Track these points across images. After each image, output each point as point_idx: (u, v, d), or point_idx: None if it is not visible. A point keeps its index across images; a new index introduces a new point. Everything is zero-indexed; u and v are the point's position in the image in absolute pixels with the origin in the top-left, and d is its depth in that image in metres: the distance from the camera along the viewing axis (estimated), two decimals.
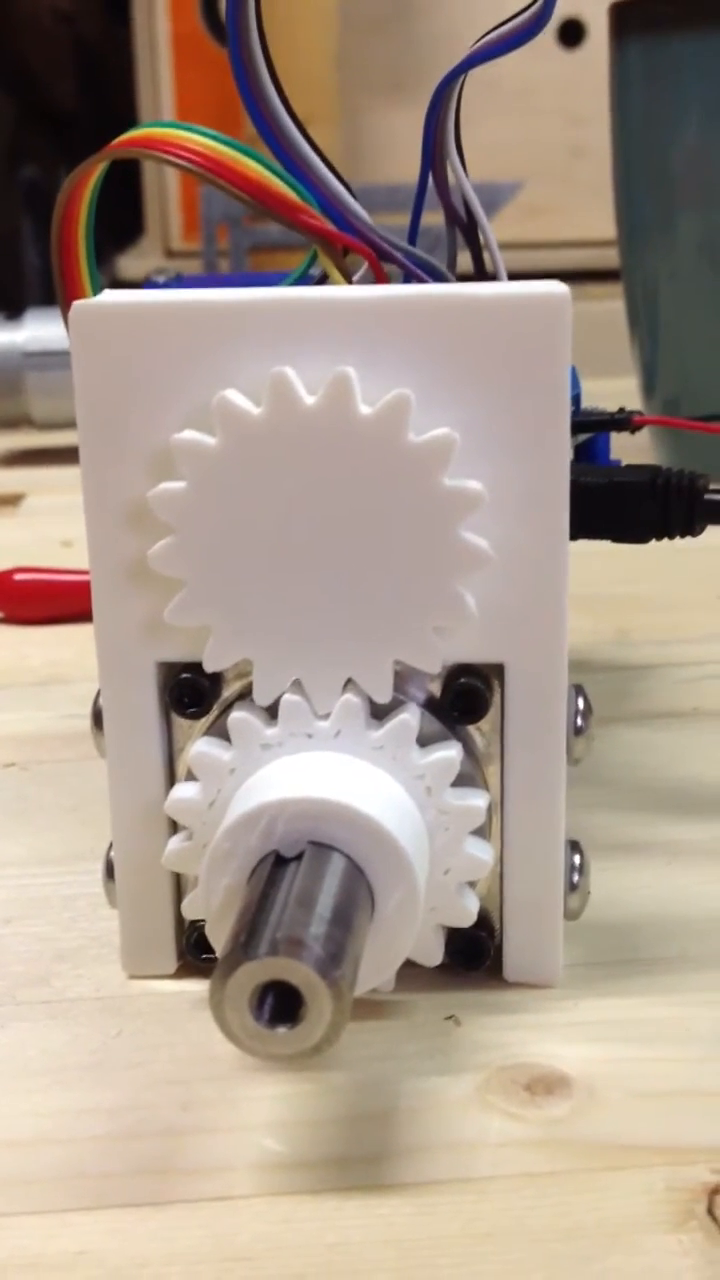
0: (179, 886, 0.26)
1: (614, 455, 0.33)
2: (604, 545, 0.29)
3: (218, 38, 1.33)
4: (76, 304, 0.23)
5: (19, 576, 0.45)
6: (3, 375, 0.64)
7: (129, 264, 1.25)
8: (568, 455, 0.23)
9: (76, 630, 0.44)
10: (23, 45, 1.56)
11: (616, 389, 0.44)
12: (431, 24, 1.27)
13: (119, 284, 0.26)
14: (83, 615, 0.44)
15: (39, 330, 0.64)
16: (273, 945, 0.20)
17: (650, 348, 0.58)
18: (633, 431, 0.32)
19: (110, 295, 0.23)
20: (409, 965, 0.23)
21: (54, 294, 0.28)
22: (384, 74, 1.28)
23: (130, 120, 1.33)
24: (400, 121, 1.25)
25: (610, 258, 0.60)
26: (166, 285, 0.61)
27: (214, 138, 0.26)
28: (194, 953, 0.26)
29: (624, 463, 0.31)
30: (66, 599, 0.44)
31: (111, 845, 0.25)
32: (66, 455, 0.66)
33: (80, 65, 1.64)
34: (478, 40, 0.28)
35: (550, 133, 1.26)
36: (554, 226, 1.24)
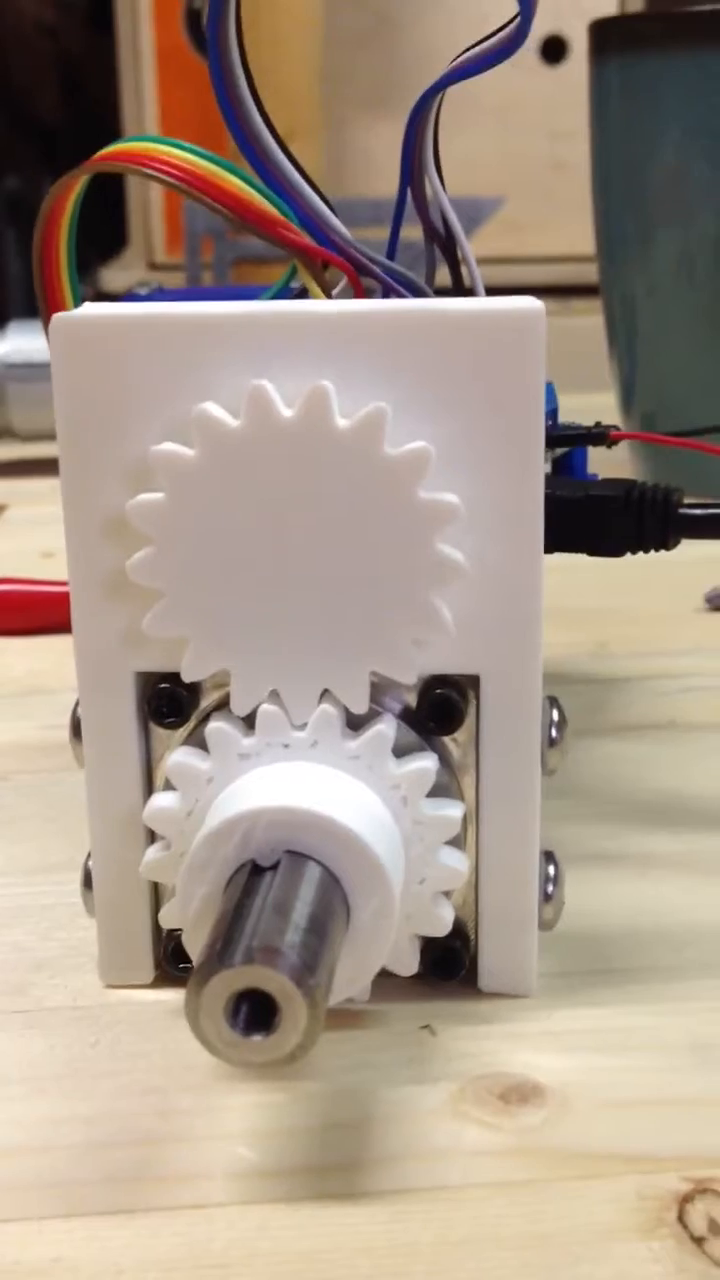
0: (156, 896, 0.26)
1: (591, 469, 0.33)
2: (583, 558, 0.29)
3: (201, 51, 1.33)
4: (56, 316, 0.23)
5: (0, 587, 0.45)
6: None
7: (112, 276, 1.25)
8: (542, 469, 0.23)
9: (57, 641, 0.44)
10: (5, 57, 1.57)
11: (598, 404, 0.44)
12: (415, 39, 1.27)
13: (102, 296, 0.26)
14: (64, 626, 0.44)
15: (21, 342, 0.64)
16: (248, 953, 0.20)
17: (628, 363, 0.58)
18: (610, 446, 0.32)
19: (90, 307, 0.24)
20: (384, 975, 0.24)
21: (37, 305, 0.28)
22: (368, 89, 1.28)
23: (114, 132, 1.33)
24: (384, 136, 1.25)
25: (592, 273, 0.61)
26: (148, 298, 0.61)
27: (195, 153, 0.27)
28: (171, 962, 0.26)
29: (600, 477, 0.31)
30: (47, 610, 0.44)
31: (89, 855, 0.26)
32: (48, 466, 0.66)
33: (63, 77, 1.64)
34: (456, 57, 0.28)
35: (532, 148, 1.27)
36: (535, 242, 1.25)
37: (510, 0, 0.26)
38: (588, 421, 0.32)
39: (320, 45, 1.16)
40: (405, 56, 1.28)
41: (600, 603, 0.46)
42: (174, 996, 0.26)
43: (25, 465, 0.67)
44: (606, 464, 0.33)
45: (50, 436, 0.68)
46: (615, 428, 0.32)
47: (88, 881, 0.26)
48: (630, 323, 0.58)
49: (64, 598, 0.44)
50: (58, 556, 0.51)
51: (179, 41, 1.34)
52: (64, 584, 0.45)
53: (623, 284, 0.58)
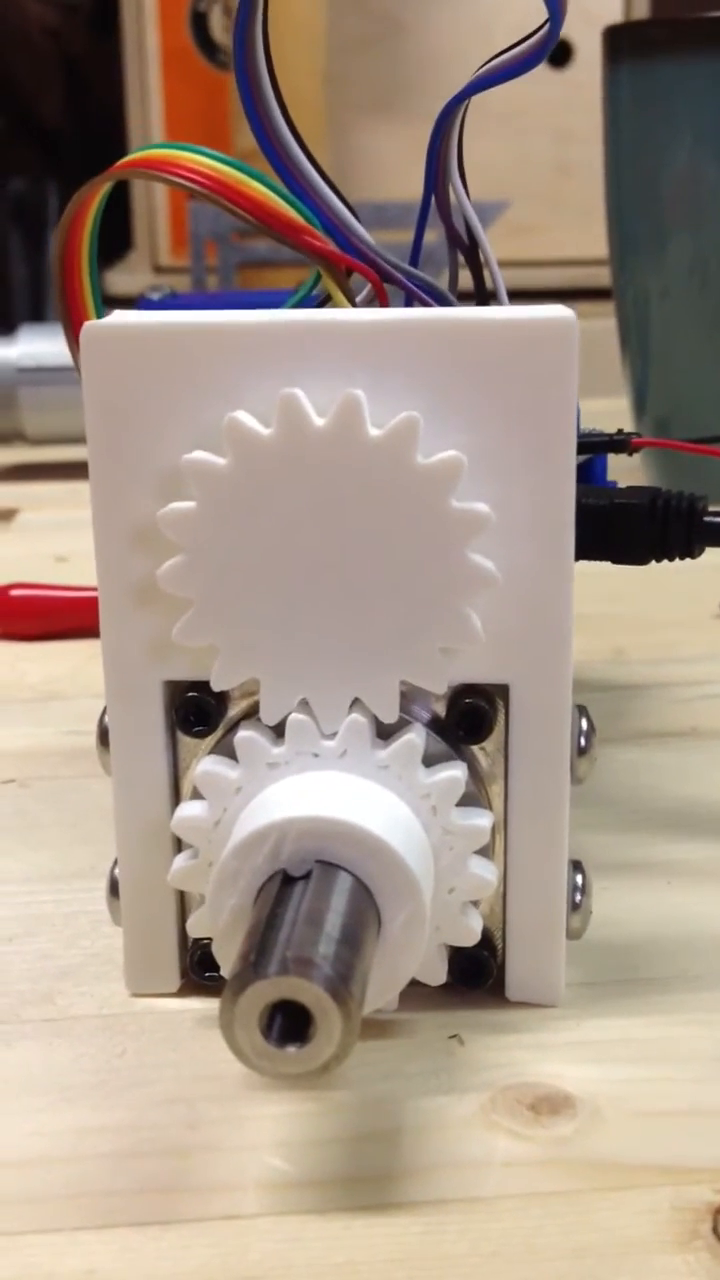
0: (183, 905, 0.26)
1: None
2: (598, 564, 0.29)
3: (206, 53, 1.34)
4: (88, 325, 0.23)
5: (15, 592, 0.45)
6: None
7: (117, 279, 1.25)
8: (573, 478, 0.23)
9: (73, 646, 0.44)
10: (10, 60, 1.57)
11: (606, 409, 0.44)
12: (419, 44, 1.27)
13: (108, 300, 0.26)
14: (79, 631, 0.45)
15: (32, 346, 0.64)
16: (283, 964, 0.20)
17: (641, 367, 0.58)
18: (631, 453, 0.32)
19: (120, 316, 0.24)
20: (411, 984, 0.23)
21: (41, 307, 0.28)
22: (371, 93, 1.28)
23: (118, 135, 1.34)
24: (387, 140, 1.25)
25: (597, 276, 0.61)
26: (161, 302, 0.61)
27: (217, 158, 0.27)
28: (197, 971, 0.26)
29: (619, 484, 0.31)
30: (63, 615, 0.44)
31: (116, 863, 0.26)
32: (59, 470, 0.67)
33: (67, 80, 1.64)
34: (482, 65, 0.28)
35: (538, 152, 1.27)
36: (541, 245, 1.25)
37: (511, 4, 0.26)
38: (597, 427, 0.32)
39: (323, 50, 1.16)
40: (408, 61, 1.28)
41: (615, 609, 0.46)
42: (200, 1005, 0.26)
43: (36, 469, 0.67)
44: (617, 469, 0.33)
45: (62, 440, 0.69)
46: (636, 435, 0.32)
47: (114, 890, 0.26)
48: (643, 327, 0.58)
49: (79, 603, 0.44)
50: (71, 561, 0.52)
51: (184, 44, 1.34)
52: (79, 589, 0.45)
53: (636, 288, 0.58)
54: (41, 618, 0.45)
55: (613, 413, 0.52)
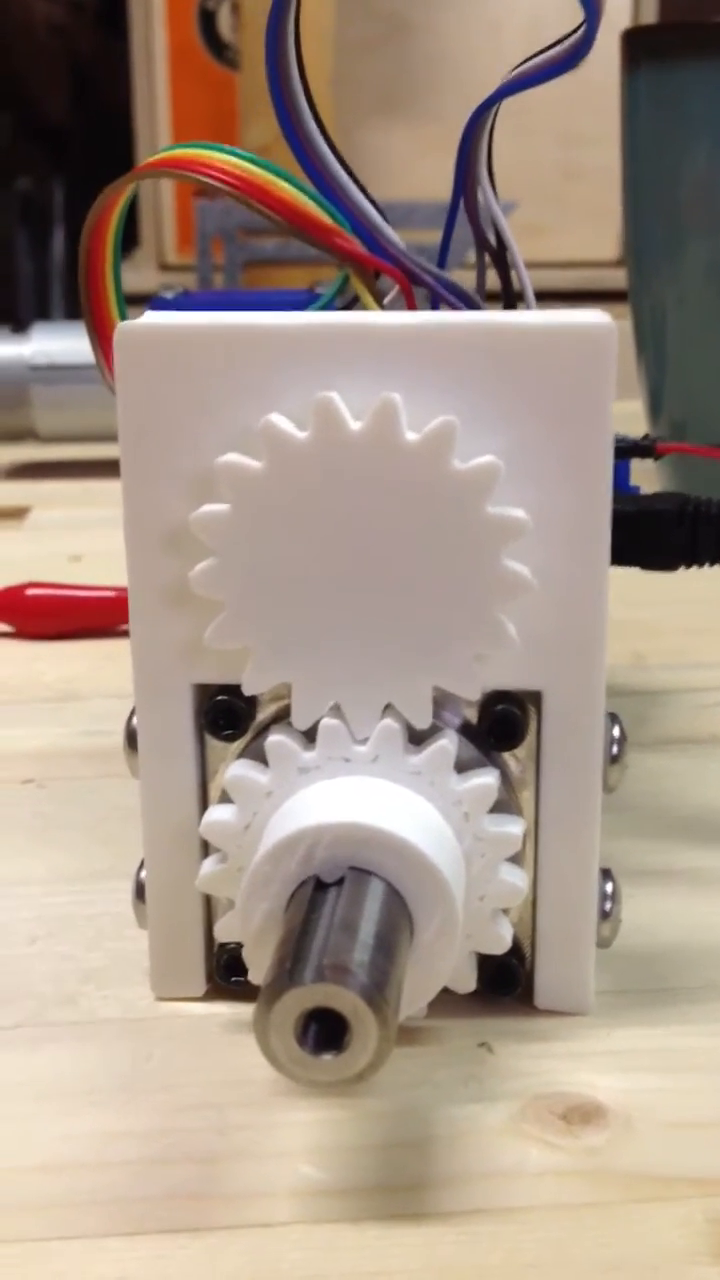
0: (209, 909, 0.25)
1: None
2: (617, 568, 0.29)
3: (214, 51, 1.34)
4: (122, 325, 0.23)
5: (31, 592, 0.45)
6: (8, 388, 0.64)
7: (124, 277, 1.25)
8: (610, 484, 0.23)
9: (88, 645, 0.43)
10: (17, 58, 1.57)
11: (617, 411, 0.44)
12: (426, 45, 1.27)
13: None
14: (95, 631, 0.44)
15: (45, 344, 0.64)
16: (319, 971, 0.20)
17: (657, 371, 0.58)
18: (656, 459, 0.32)
19: (153, 316, 0.23)
20: (440, 991, 0.23)
21: (46, 306, 0.28)
22: (378, 93, 1.28)
23: (125, 133, 1.34)
24: (394, 140, 1.25)
25: (603, 278, 0.61)
26: (175, 301, 0.61)
27: (245, 158, 0.27)
28: (224, 975, 0.26)
29: (641, 489, 0.31)
30: (80, 615, 0.44)
31: (142, 866, 0.25)
32: (72, 469, 0.67)
33: (74, 78, 1.64)
34: (514, 69, 0.28)
35: (545, 154, 1.27)
36: (548, 247, 1.25)
37: (519, 4, 0.26)
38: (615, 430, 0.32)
39: (331, 51, 1.16)
40: (415, 62, 1.28)
41: (634, 614, 0.45)
42: (226, 1010, 0.25)
43: (48, 467, 0.67)
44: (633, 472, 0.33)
45: (74, 438, 0.68)
46: (661, 439, 0.32)
47: (140, 893, 0.26)
48: (660, 332, 0.57)
49: (95, 602, 0.44)
50: (86, 560, 0.52)
51: (192, 42, 1.34)
52: (95, 588, 0.45)
53: (652, 293, 0.58)
54: (58, 617, 0.44)
55: (627, 416, 0.52)
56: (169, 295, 0.60)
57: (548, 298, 0.24)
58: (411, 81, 1.27)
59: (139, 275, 1.29)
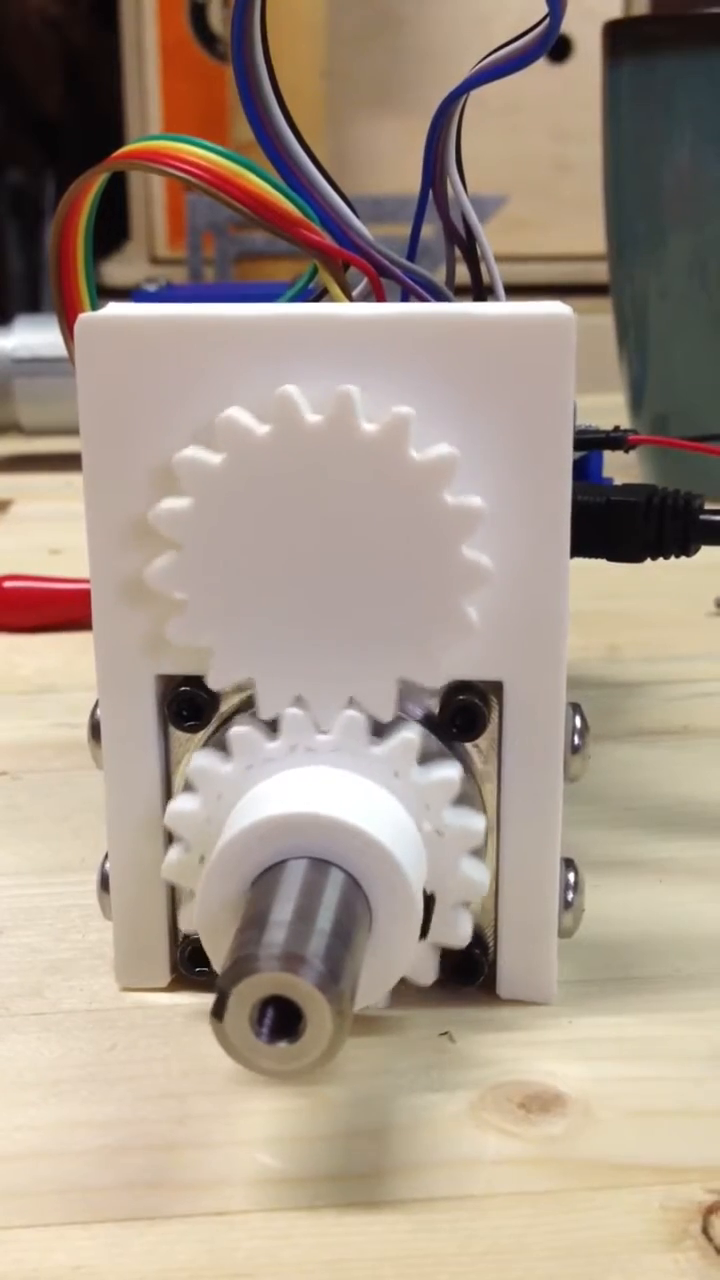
0: (173, 899, 0.26)
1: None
2: (593, 561, 0.29)
3: (205, 45, 1.33)
4: (82, 316, 0.23)
5: (9, 584, 0.45)
6: None
7: (114, 270, 1.25)
8: (569, 475, 0.23)
9: (66, 638, 0.44)
10: (10, 51, 1.56)
11: (602, 405, 0.44)
12: (418, 38, 1.27)
13: (104, 290, 0.26)
14: (72, 623, 0.44)
15: (28, 337, 0.64)
16: (274, 960, 0.20)
17: (639, 365, 0.58)
18: (627, 450, 0.32)
19: (115, 308, 0.24)
20: (402, 981, 0.23)
21: (37, 299, 0.28)
22: (370, 87, 1.28)
23: (117, 127, 1.33)
24: (386, 134, 1.25)
25: (593, 272, 0.61)
26: (157, 294, 0.61)
27: (214, 151, 0.27)
28: (188, 966, 0.26)
29: (615, 481, 0.31)
30: (57, 607, 0.44)
31: (106, 857, 0.25)
32: (54, 462, 0.67)
33: (67, 71, 1.64)
34: (481, 60, 0.28)
35: (535, 147, 1.27)
36: (538, 241, 1.24)
37: (510, 1, 0.26)
38: (593, 422, 0.32)
39: (323, 44, 1.15)
40: (407, 56, 1.27)
41: (610, 606, 0.46)
42: (190, 1000, 0.25)
43: (31, 460, 0.67)
44: (613, 466, 0.33)
45: (57, 432, 0.68)
46: (634, 431, 0.32)
47: (105, 884, 0.26)
48: (641, 325, 0.58)
49: (73, 595, 0.44)
50: (65, 553, 0.52)
51: (183, 36, 1.33)
52: (74, 581, 0.45)
53: (634, 286, 0.58)
54: (35, 610, 0.44)
55: (609, 409, 0.52)
56: (152, 288, 0.61)
57: (538, 291, 0.24)
58: (403, 75, 1.27)
59: (130, 269, 1.29)
